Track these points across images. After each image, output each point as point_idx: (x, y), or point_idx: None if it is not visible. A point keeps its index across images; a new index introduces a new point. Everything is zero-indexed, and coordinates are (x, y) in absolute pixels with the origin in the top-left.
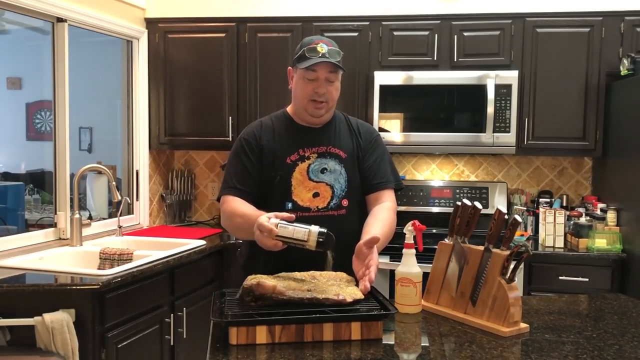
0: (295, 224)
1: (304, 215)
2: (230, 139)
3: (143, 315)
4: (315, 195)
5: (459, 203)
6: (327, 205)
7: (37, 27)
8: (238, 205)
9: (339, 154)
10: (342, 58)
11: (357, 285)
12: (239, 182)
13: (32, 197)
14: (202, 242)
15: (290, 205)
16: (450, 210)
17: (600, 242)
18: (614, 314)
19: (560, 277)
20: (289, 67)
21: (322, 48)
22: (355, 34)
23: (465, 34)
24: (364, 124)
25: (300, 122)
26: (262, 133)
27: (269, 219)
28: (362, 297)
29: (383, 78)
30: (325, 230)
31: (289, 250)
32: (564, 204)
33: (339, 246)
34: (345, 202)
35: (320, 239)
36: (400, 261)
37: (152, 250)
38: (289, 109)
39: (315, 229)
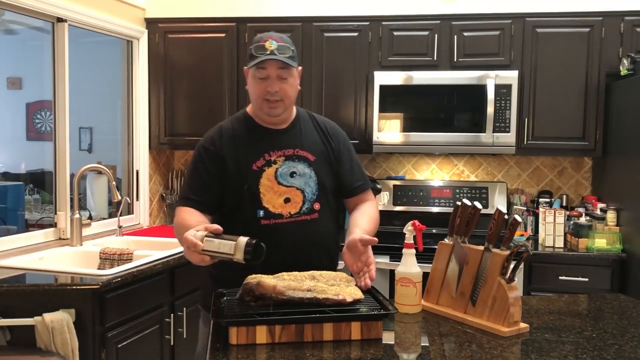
0: (222, 236)
1: (277, 223)
2: None
3: (143, 315)
4: (287, 200)
5: (459, 203)
6: (300, 210)
7: (38, 26)
8: (184, 216)
9: (307, 156)
10: (297, 53)
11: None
12: (193, 193)
13: (32, 197)
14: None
15: (262, 212)
16: (450, 210)
17: (600, 242)
18: (614, 314)
19: (560, 277)
20: (245, 67)
21: (271, 45)
22: (355, 34)
23: (465, 34)
24: (331, 122)
25: (262, 123)
26: (222, 140)
27: (197, 232)
28: (362, 297)
29: (383, 78)
30: (254, 241)
31: (270, 253)
32: (564, 204)
33: (314, 249)
34: (317, 206)
35: (248, 250)
36: (400, 261)
37: (152, 250)
38: (249, 109)
39: (242, 240)
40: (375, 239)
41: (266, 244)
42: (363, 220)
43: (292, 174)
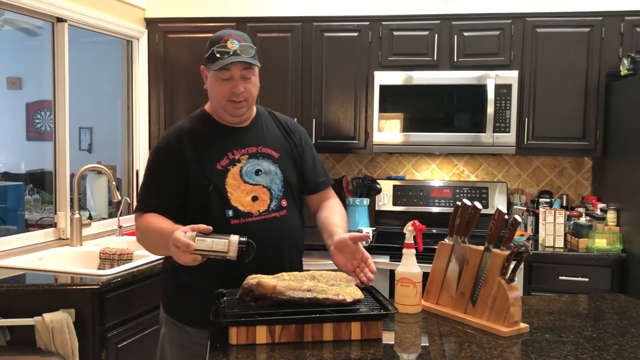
0: (213, 235)
1: (246, 221)
2: None
3: (143, 315)
4: (254, 199)
5: (459, 203)
6: (268, 208)
7: (37, 26)
8: (152, 220)
9: (271, 154)
10: (265, 52)
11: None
12: (154, 197)
13: (32, 197)
14: None
15: (231, 212)
16: (450, 210)
17: (600, 242)
18: (614, 314)
19: (560, 277)
20: (202, 66)
21: (233, 45)
22: (355, 34)
23: (465, 34)
24: (291, 120)
25: (223, 121)
26: (182, 141)
27: (185, 233)
28: (362, 297)
29: (383, 78)
30: (246, 239)
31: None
32: (564, 204)
33: (286, 246)
34: (284, 203)
35: (242, 248)
36: (400, 261)
37: None
38: (207, 107)
39: (235, 238)
40: (367, 235)
41: None
42: (338, 219)
43: (257, 172)
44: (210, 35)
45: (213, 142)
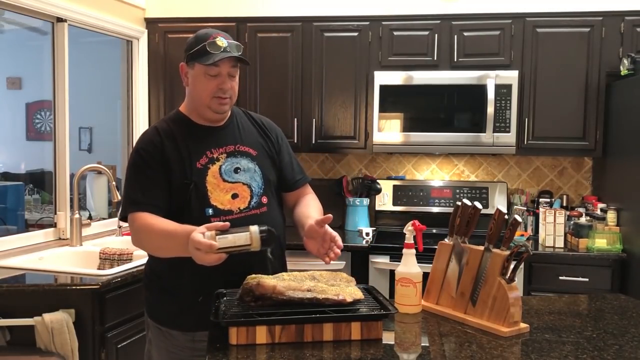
0: (231, 231)
1: (227, 219)
2: None
3: (143, 315)
4: (234, 196)
5: (459, 203)
6: (249, 205)
7: (37, 26)
8: (154, 222)
9: (249, 152)
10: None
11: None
12: (146, 197)
13: (32, 197)
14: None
15: (210, 210)
16: (450, 210)
17: (600, 242)
18: (614, 314)
19: (560, 277)
20: (182, 64)
21: (222, 42)
22: (355, 34)
23: (465, 34)
24: (266, 119)
25: (200, 121)
26: (162, 141)
27: (204, 234)
28: (362, 297)
29: (383, 78)
30: (265, 227)
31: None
32: (564, 204)
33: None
34: (264, 199)
35: (264, 236)
36: (400, 261)
37: None
38: (182, 109)
39: (254, 229)
40: (329, 215)
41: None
42: (312, 211)
43: (236, 170)
44: None
45: (191, 142)
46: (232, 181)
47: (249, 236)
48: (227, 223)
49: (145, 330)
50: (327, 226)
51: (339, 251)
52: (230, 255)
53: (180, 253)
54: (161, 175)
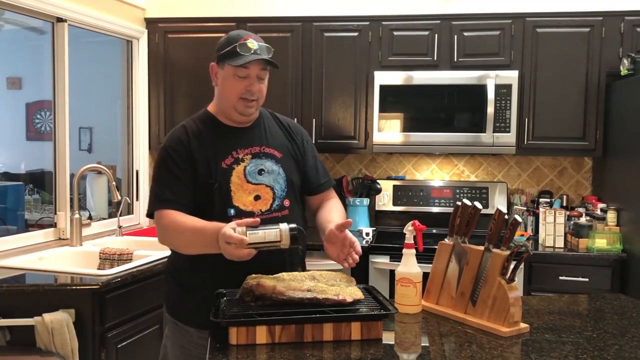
0: (261, 227)
1: None
2: None
3: (143, 315)
4: (257, 198)
5: (459, 203)
6: (270, 208)
7: (37, 26)
8: (182, 219)
9: (274, 154)
10: (273, 54)
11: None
12: (174, 195)
13: (32, 197)
14: None
15: (232, 211)
16: (450, 210)
17: (600, 242)
18: (614, 314)
19: (560, 277)
20: (212, 64)
21: (253, 44)
22: (355, 34)
23: (465, 34)
24: (293, 121)
25: (227, 122)
26: (190, 139)
27: (234, 229)
28: (362, 297)
29: (383, 78)
30: (295, 225)
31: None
32: (564, 204)
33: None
34: (287, 202)
35: (294, 234)
36: (400, 261)
37: (152, 250)
38: (211, 108)
39: (284, 226)
40: (349, 220)
41: None
42: (333, 216)
43: (260, 172)
44: (212, 35)
45: (217, 142)
46: (256, 183)
47: (278, 233)
48: (258, 219)
49: (163, 325)
50: (347, 231)
51: (357, 257)
52: (258, 257)
53: (209, 249)
54: (188, 174)
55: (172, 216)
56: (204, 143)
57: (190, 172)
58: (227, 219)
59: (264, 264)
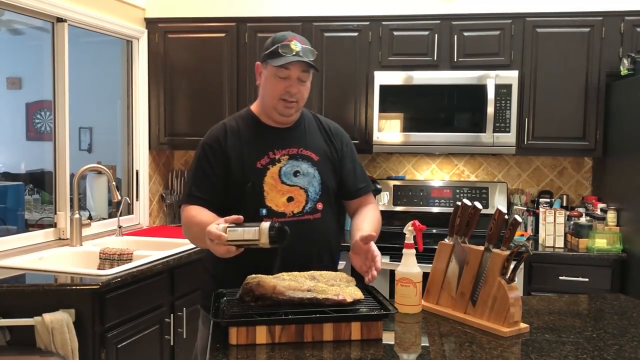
0: (244, 224)
1: (279, 221)
2: None
3: (143, 315)
4: (290, 199)
5: (459, 203)
6: (302, 210)
7: (38, 26)
8: (195, 213)
9: (311, 156)
10: (316, 57)
11: (358, 284)
12: (198, 190)
13: (32, 197)
14: None
15: (264, 211)
16: (450, 210)
17: (600, 242)
18: (614, 314)
19: (560, 277)
20: (257, 63)
21: (296, 46)
22: (355, 34)
23: (465, 34)
24: (335, 124)
25: (268, 122)
26: (227, 137)
27: (218, 225)
28: (362, 297)
29: (383, 78)
30: (277, 224)
31: (263, 254)
32: (564, 204)
33: (317, 250)
34: (320, 206)
35: (272, 233)
36: (400, 261)
37: (152, 250)
38: (254, 107)
39: (265, 225)
40: (373, 233)
41: None
42: (365, 224)
43: (295, 173)
44: (212, 35)
45: (255, 141)
46: (290, 184)
47: (257, 232)
48: (241, 217)
49: (200, 317)
50: (372, 244)
51: (375, 273)
52: (286, 257)
53: (207, 245)
54: (218, 171)
55: (190, 210)
56: (241, 141)
57: (221, 171)
58: (258, 219)
59: (292, 265)
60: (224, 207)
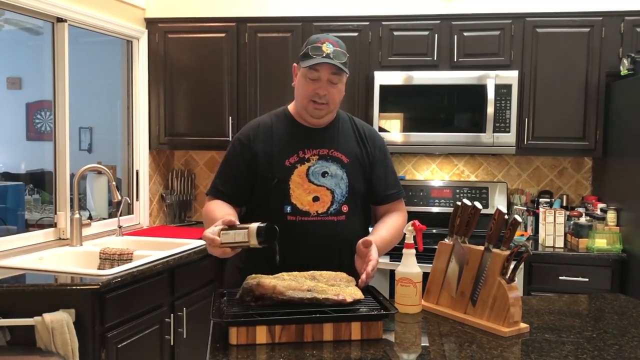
0: (236, 227)
1: (303, 220)
2: (230, 139)
3: (143, 315)
4: (315, 199)
5: (459, 203)
6: (327, 211)
7: (38, 26)
8: (213, 208)
9: (341, 158)
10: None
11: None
12: (222, 185)
13: (32, 197)
14: (202, 242)
15: (289, 208)
16: (450, 210)
17: (600, 242)
18: (614, 314)
19: (560, 277)
20: (294, 64)
21: (328, 48)
22: (355, 34)
23: (465, 34)
24: (370, 128)
25: (302, 121)
26: (257, 134)
27: (215, 228)
28: (362, 297)
29: (383, 78)
30: (265, 225)
31: (293, 249)
32: (564, 204)
33: (338, 252)
34: (345, 208)
35: (260, 234)
36: (400, 261)
37: (152, 250)
38: (290, 107)
39: (253, 226)
40: (370, 239)
41: (290, 240)
42: (383, 229)
43: (324, 174)
44: (212, 35)
45: (287, 139)
46: (318, 184)
47: (246, 234)
48: (232, 219)
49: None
50: (372, 249)
51: (364, 277)
52: (307, 256)
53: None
54: (243, 168)
55: (210, 205)
56: (272, 138)
57: (246, 167)
58: (282, 216)
59: (312, 264)
60: (251, 203)
